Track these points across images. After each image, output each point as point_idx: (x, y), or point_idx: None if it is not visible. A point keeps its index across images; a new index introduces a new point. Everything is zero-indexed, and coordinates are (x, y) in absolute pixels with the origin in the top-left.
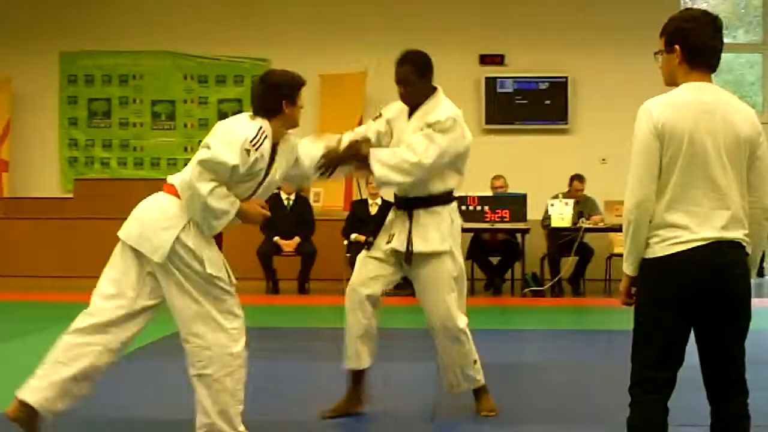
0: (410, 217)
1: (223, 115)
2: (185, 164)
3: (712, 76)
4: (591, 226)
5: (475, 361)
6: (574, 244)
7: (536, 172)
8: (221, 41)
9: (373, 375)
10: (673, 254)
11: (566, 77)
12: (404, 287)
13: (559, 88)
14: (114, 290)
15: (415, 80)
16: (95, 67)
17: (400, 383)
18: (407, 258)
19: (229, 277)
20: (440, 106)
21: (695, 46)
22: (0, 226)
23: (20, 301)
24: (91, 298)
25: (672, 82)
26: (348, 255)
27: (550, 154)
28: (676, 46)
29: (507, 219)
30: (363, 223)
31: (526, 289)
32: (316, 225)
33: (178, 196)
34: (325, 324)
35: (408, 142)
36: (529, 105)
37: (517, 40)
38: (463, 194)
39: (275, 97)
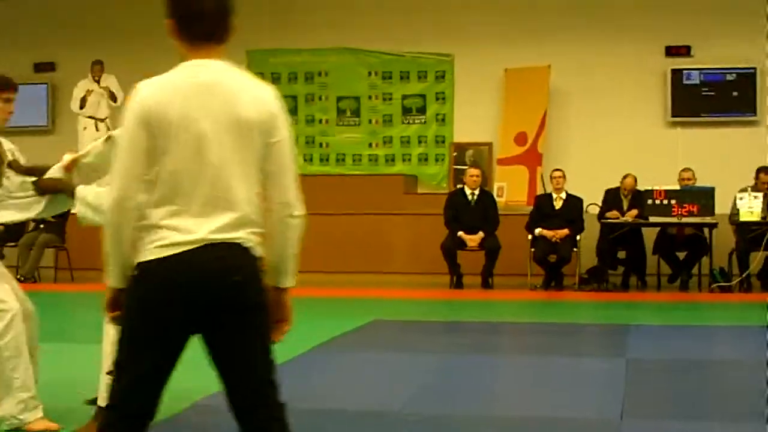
0: None
1: (407, 111)
2: (369, 160)
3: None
4: None
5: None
6: (764, 239)
7: (724, 165)
8: (405, 37)
9: (560, 370)
10: (159, 258)
11: (755, 68)
12: (589, 282)
13: (747, 80)
14: None
15: None
16: (281, 65)
17: (588, 379)
18: None
19: None
20: None
21: (182, 17)
22: None
23: None
24: None
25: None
26: (532, 250)
27: (738, 147)
28: (169, 20)
29: (695, 213)
30: (547, 217)
31: (714, 285)
32: (500, 220)
33: None
34: (509, 319)
35: None
36: (716, 97)
37: (703, 31)
38: (649, 188)
39: None
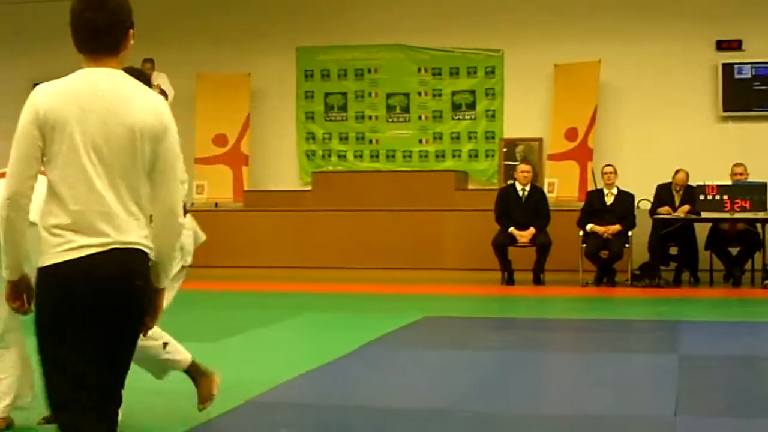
0: None
1: (456, 107)
2: (419, 156)
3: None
4: None
5: None
6: None
7: None
8: (454, 33)
9: (612, 367)
10: (62, 262)
11: None
12: (641, 278)
13: None
14: None
15: None
16: (331, 62)
17: (641, 375)
18: None
19: None
20: None
21: (76, 29)
22: (241, 218)
23: (261, 292)
24: None
25: None
26: (584, 246)
27: None
28: (71, 31)
29: (747, 208)
30: (599, 213)
31: (767, 281)
32: (551, 215)
33: None
34: (560, 315)
35: None
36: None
37: (754, 25)
38: (701, 183)
39: None
